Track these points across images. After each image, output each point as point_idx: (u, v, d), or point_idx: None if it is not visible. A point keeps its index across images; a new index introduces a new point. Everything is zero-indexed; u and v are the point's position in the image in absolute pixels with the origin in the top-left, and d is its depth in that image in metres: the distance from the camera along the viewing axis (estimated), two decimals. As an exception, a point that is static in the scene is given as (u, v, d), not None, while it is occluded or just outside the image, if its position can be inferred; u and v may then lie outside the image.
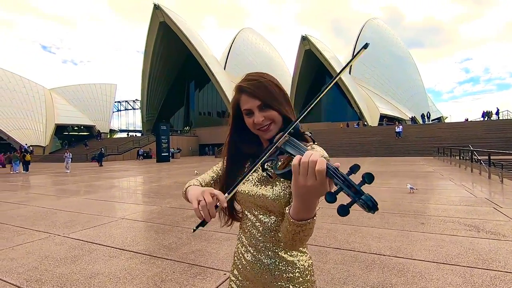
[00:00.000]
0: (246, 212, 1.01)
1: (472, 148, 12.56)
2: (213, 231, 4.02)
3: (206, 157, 32.26)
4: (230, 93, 38.10)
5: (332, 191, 0.56)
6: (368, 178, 0.53)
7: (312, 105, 0.70)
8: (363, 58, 49.00)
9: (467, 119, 34.19)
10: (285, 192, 0.90)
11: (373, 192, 6.28)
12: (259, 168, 0.98)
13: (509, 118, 28.76)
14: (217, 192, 0.73)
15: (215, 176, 1.08)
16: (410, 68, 54.39)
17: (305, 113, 0.73)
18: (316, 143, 0.92)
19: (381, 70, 49.47)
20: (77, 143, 41.41)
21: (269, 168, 0.95)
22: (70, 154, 18.29)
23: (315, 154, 0.60)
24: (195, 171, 13.29)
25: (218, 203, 0.72)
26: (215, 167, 1.12)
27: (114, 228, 4.34)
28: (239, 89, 0.94)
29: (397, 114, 43.56)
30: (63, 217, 5.15)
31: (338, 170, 0.58)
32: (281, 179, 0.91)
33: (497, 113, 30.91)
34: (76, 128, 47.59)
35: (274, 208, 0.91)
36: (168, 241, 3.68)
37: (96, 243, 3.66)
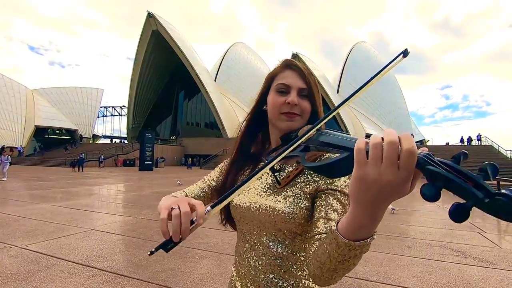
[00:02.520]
0: (244, 233, 0.78)
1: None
2: (190, 247, 3.71)
3: (180, 168, 31.47)
4: (219, 105, 38.06)
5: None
6: (493, 171, 0.35)
7: (346, 103, 0.59)
8: (351, 79, 50.45)
9: (448, 143, 35.61)
10: (302, 205, 0.69)
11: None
12: (265, 171, 0.79)
13: (487, 144, 29.83)
14: (196, 202, 0.54)
15: (207, 188, 0.87)
16: (395, 91, 56.25)
17: (339, 108, 0.58)
18: None
19: (367, 91, 50.66)
20: (57, 147, 39.76)
21: (281, 169, 0.76)
22: (9, 157, 14.53)
23: (393, 132, 0.37)
24: (178, 182, 12.84)
25: (194, 218, 0.52)
26: (207, 177, 0.91)
27: (81, 240, 3.96)
28: (287, 63, 0.79)
29: (382, 134, 44.63)
30: (26, 225, 4.70)
31: (433, 156, 0.37)
32: (295, 189, 0.71)
33: (479, 139, 32.08)
34: (57, 131, 45.92)
35: (286, 227, 0.69)
36: (138, 258, 3.35)
37: (56, 257, 3.28)
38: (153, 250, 0.50)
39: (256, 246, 0.74)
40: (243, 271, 0.76)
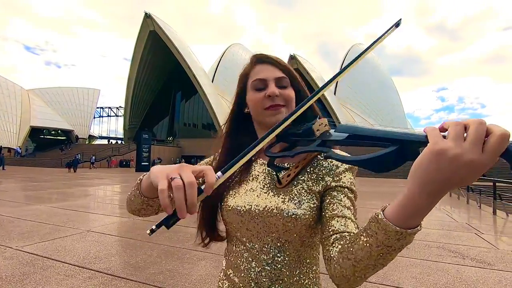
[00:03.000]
0: (243, 240, 0.70)
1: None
2: (188, 249, 3.69)
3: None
4: (217, 106, 37.97)
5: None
6: None
7: (335, 79, 0.58)
8: (348, 80, 50.67)
9: None
10: (313, 204, 0.64)
11: (359, 214, 6.31)
12: (259, 167, 0.74)
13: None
14: (203, 167, 0.46)
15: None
16: (392, 93, 56.62)
17: (327, 86, 0.57)
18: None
19: (364, 93, 51.18)
20: (53, 147, 39.42)
21: (281, 167, 0.69)
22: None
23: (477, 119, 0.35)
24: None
25: (202, 187, 0.44)
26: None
27: (77, 242, 3.91)
28: (255, 58, 0.75)
29: (379, 136, 44.84)
30: (21, 226, 4.64)
31: None
32: (301, 188, 0.66)
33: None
34: (53, 132, 45.56)
35: (294, 229, 0.63)
36: (135, 259, 3.32)
37: (52, 259, 3.23)
38: (153, 228, 0.43)
39: (259, 255, 0.66)
40: (241, 285, 0.68)
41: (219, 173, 0.47)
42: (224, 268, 0.75)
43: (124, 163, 31.17)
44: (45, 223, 4.93)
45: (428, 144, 0.36)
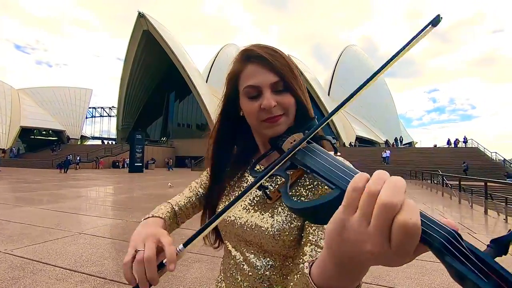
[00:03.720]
0: (229, 247, 0.70)
1: (442, 173, 13.06)
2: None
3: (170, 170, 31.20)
4: (211, 106, 37.85)
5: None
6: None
7: (353, 98, 0.44)
8: (341, 81, 51.06)
9: (436, 145, 36.67)
10: (292, 224, 0.59)
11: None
12: (252, 179, 0.71)
13: (473, 146, 30.57)
14: (165, 241, 0.46)
15: (194, 198, 0.77)
16: (385, 94, 57.16)
17: (340, 108, 0.44)
18: (339, 154, 0.53)
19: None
20: (43, 148, 38.74)
21: (270, 186, 0.65)
22: None
23: (393, 182, 0.26)
24: (169, 184, 12.67)
25: (165, 261, 0.43)
26: (194, 183, 0.81)
27: (68, 244, 3.83)
28: (245, 55, 0.63)
29: (372, 136, 45.19)
30: (10, 229, 4.53)
31: (460, 238, 0.25)
32: (284, 206, 0.61)
33: (465, 141, 32.84)
34: (44, 132, 44.78)
35: (272, 248, 0.60)
36: (129, 262, 3.26)
37: (43, 262, 3.16)
38: None
39: (242, 265, 0.65)
40: None
41: (181, 246, 0.42)
42: (220, 270, 0.76)
43: (117, 163, 30.81)
44: (36, 225, 4.82)
45: (339, 206, 0.29)
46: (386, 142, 44.02)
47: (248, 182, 0.72)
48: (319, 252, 0.53)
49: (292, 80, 0.62)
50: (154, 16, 42.49)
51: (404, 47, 0.41)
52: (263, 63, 0.61)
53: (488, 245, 0.25)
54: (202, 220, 0.79)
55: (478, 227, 5.82)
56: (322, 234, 0.55)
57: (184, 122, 52.39)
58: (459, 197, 9.91)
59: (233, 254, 0.68)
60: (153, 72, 47.92)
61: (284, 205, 0.61)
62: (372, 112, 51.57)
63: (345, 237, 0.28)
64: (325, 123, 0.46)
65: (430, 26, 0.40)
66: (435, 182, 14.64)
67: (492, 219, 6.94)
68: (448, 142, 34.59)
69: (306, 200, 0.60)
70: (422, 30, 0.40)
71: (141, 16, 40.97)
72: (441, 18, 0.38)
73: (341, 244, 0.29)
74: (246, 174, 0.74)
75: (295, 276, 0.50)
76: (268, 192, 0.60)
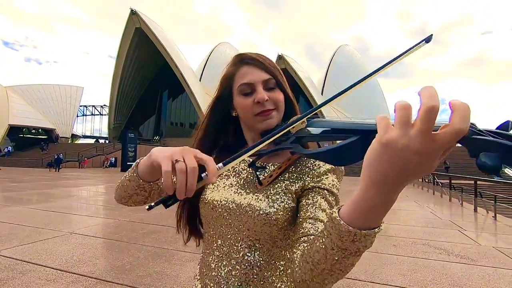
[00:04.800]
0: (216, 237, 0.68)
1: (433, 172, 13.25)
2: (175, 250, 3.61)
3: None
4: (204, 105, 37.81)
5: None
6: None
7: (345, 92, 0.54)
8: (335, 81, 51.40)
9: None
10: (287, 205, 0.62)
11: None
12: (243, 164, 0.73)
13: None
14: (206, 157, 0.45)
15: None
16: (377, 94, 57.79)
17: (335, 98, 0.53)
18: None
19: (351, 93, 51.73)
20: (33, 147, 37.97)
21: (263, 168, 0.69)
22: None
23: (434, 94, 0.30)
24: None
25: (204, 175, 0.44)
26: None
27: (59, 244, 3.76)
28: (239, 59, 0.71)
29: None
30: (-2, 229, 4.42)
31: (475, 125, 0.32)
32: (278, 187, 0.64)
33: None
34: (33, 130, 43.90)
35: (265, 229, 0.61)
36: (122, 261, 3.22)
37: (32, 263, 3.09)
38: (152, 204, 0.43)
39: (230, 253, 0.65)
40: (211, 284, 0.66)
41: (220, 164, 0.45)
42: (198, 267, 0.74)
43: (105, 162, 30.37)
44: (25, 225, 4.72)
45: (376, 134, 0.33)
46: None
47: (239, 166, 0.74)
48: (318, 224, 0.56)
49: (281, 78, 0.70)
50: (145, 12, 41.98)
51: (399, 56, 0.49)
52: (255, 64, 0.68)
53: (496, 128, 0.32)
54: (179, 208, 0.76)
55: (468, 225, 5.93)
56: (317, 210, 0.59)
57: (177, 121, 52.05)
58: (450, 195, 10.09)
59: (218, 243, 0.67)
60: (146, 70, 47.42)
61: (275, 188, 0.64)
62: (365, 112, 52.08)
63: (396, 148, 0.31)
64: (321, 107, 0.55)
65: (423, 42, 0.48)
66: (426, 180, 14.89)
67: (482, 216, 7.08)
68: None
69: (285, 185, 0.66)
70: (417, 44, 0.48)
71: (133, 13, 40.48)
72: (432, 35, 0.48)
73: (392, 159, 0.32)
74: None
75: (300, 246, 0.53)
76: (260, 178, 0.66)
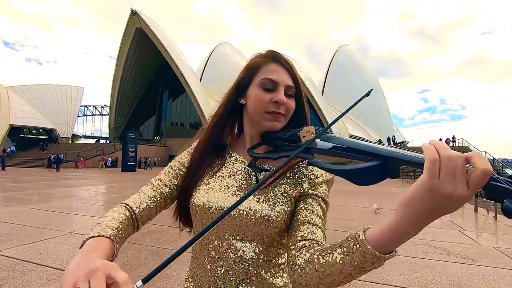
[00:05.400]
0: (211, 238, 0.67)
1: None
2: (175, 249, 3.58)
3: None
4: (204, 105, 37.66)
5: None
6: None
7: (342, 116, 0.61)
8: (335, 81, 51.38)
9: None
10: (287, 208, 0.64)
11: (343, 211, 6.21)
12: (239, 165, 0.74)
13: (463, 146, 31.12)
14: (120, 278, 0.37)
15: (159, 197, 0.71)
16: (377, 93, 57.68)
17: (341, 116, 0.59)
18: None
19: (351, 93, 51.92)
20: (34, 147, 37.99)
21: (262, 170, 0.70)
22: None
23: (452, 151, 0.36)
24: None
25: None
26: (156, 181, 0.74)
27: (60, 244, 3.77)
28: (272, 55, 0.71)
29: (365, 136, 45.59)
30: (-1, 229, 4.43)
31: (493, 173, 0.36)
32: (277, 190, 0.66)
33: (454, 140, 33.50)
34: (34, 131, 43.93)
35: (265, 232, 0.62)
36: (122, 261, 3.22)
37: (33, 263, 3.10)
38: None
39: (227, 254, 0.64)
40: (207, 285, 0.65)
41: (139, 282, 0.36)
42: (189, 269, 0.72)
43: (107, 162, 30.38)
44: (26, 225, 4.73)
45: (423, 175, 0.36)
46: (379, 141, 44.51)
47: (234, 167, 0.74)
48: (316, 229, 0.59)
49: (300, 90, 0.72)
50: (145, 13, 41.97)
51: (349, 108, 0.61)
52: (285, 67, 0.70)
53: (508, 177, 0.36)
54: (176, 210, 0.76)
55: (468, 225, 5.92)
56: (314, 215, 0.61)
57: (177, 121, 52.05)
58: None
59: (214, 244, 0.66)
60: (146, 70, 47.45)
61: (275, 191, 0.66)
62: (366, 112, 52.02)
63: (441, 194, 0.35)
64: (339, 118, 0.60)
65: (365, 96, 0.59)
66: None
67: (482, 216, 7.08)
68: (439, 142, 35.25)
69: (284, 189, 0.67)
70: (362, 98, 0.61)
71: (134, 13, 40.52)
72: (371, 90, 0.62)
73: (435, 201, 0.36)
74: (231, 161, 0.75)
75: (301, 251, 0.55)
76: (259, 179, 0.67)
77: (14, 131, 40.07)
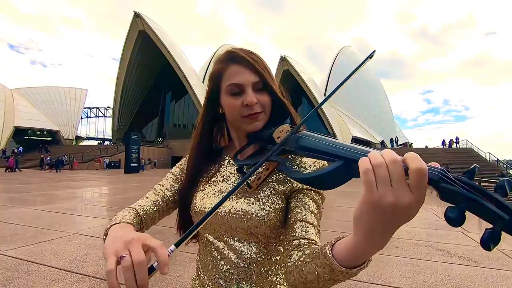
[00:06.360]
0: (210, 239, 0.70)
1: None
2: (178, 250, 3.60)
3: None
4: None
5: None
6: (510, 186, 0.33)
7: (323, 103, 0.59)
8: (337, 82, 51.00)
9: (427, 146, 37.62)
10: (278, 206, 0.65)
11: (346, 212, 6.19)
12: (231, 168, 0.75)
13: (467, 147, 30.91)
14: (154, 243, 0.42)
15: (161, 201, 0.74)
16: (380, 95, 57.54)
17: (323, 102, 0.56)
18: None
19: (353, 94, 51.82)
20: (36, 148, 38.21)
21: (249, 172, 0.71)
22: None
23: (390, 151, 0.35)
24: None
25: (155, 264, 0.41)
26: (159, 187, 0.78)
27: (63, 245, 3.80)
28: (229, 57, 0.68)
29: (368, 137, 45.43)
30: (4, 230, 4.48)
31: (447, 172, 0.34)
32: (266, 189, 0.66)
33: (457, 141, 33.26)
34: (38, 132, 44.27)
35: (259, 231, 0.64)
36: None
37: (37, 263, 3.13)
38: None
39: (227, 253, 0.67)
40: (211, 284, 0.68)
41: (172, 246, 0.42)
42: (196, 269, 0.76)
43: (113, 164, 30.52)
44: (30, 226, 4.77)
45: (363, 193, 0.36)
46: (382, 142, 44.28)
47: (227, 171, 0.76)
48: (308, 227, 0.60)
49: (270, 81, 0.68)
50: (148, 15, 42.19)
51: (352, 73, 0.54)
52: (245, 65, 0.66)
53: (463, 174, 0.34)
54: (179, 216, 0.79)
55: (471, 226, 5.88)
56: (308, 212, 0.62)
57: (180, 123, 52.22)
58: (453, 197, 10.01)
59: (215, 245, 0.69)
60: (149, 72, 47.67)
61: (265, 190, 0.66)
62: (368, 113, 51.87)
63: (383, 206, 0.34)
64: (310, 114, 0.57)
65: (368, 58, 0.53)
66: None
67: (486, 218, 7.02)
68: (443, 143, 34.98)
69: (273, 186, 0.68)
70: (365, 59, 0.54)
71: (137, 16, 40.78)
72: (374, 51, 0.54)
73: (381, 215, 0.35)
74: (224, 165, 0.77)
75: (293, 251, 0.56)
76: (249, 182, 0.66)
77: (19, 133, 40.39)
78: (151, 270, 0.41)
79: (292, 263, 0.54)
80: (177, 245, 0.42)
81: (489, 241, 0.32)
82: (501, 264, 3.51)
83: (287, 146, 0.54)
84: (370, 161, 0.35)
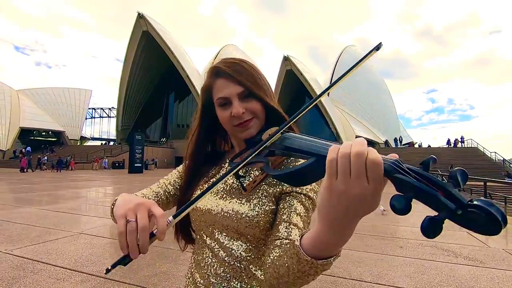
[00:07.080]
0: (204, 237, 0.74)
1: (441, 173, 13.06)
2: (181, 250, 3.64)
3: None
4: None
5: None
6: (462, 177, 0.33)
7: (316, 100, 0.54)
8: (342, 82, 51.00)
9: (429, 146, 37.61)
10: (268, 207, 0.66)
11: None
12: (230, 176, 0.76)
13: (472, 146, 30.62)
14: (157, 211, 0.46)
15: (162, 194, 0.80)
16: (384, 94, 57.25)
17: (311, 106, 0.53)
18: None
19: (357, 94, 51.62)
20: (40, 149, 38.60)
21: (247, 173, 0.73)
22: None
23: (362, 142, 0.36)
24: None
25: (155, 230, 0.45)
26: (163, 180, 0.84)
27: (68, 244, 3.84)
28: (214, 72, 0.73)
29: (372, 137, 45.20)
30: (10, 229, 4.53)
31: (401, 163, 0.35)
32: (258, 191, 0.68)
33: (462, 141, 32.98)
34: (43, 133, 44.72)
35: (249, 231, 0.66)
36: (129, 261, 3.26)
37: (43, 262, 3.16)
38: (109, 268, 0.44)
39: (218, 251, 0.69)
40: (202, 281, 0.70)
41: (171, 217, 0.46)
42: (189, 266, 0.79)
43: (117, 164, 30.72)
44: (35, 225, 4.82)
45: (323, 179, 0.37)
46: (386, 142, 44.07)
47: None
48: (292, 228, 0.60)
49: (255, 89, 0.70)
50: (151, 16, 42.38)
51: (356, 64, 0.53)
52: (227, 77, 0.70)
53: (419, 165, 0.35)
54: (177, 229, 0.85)
55: (477, 227, 5.83)
56: (292, 214, 0.63)
57: (183, 123, 52.36)
58: (459, 197, 9.93)
59: (207, 243, 0.72)
60: (153, 72, 47.91)
61: (258, 194, 0.68)
62: (372, 113, 51.62)
63: (336, 193, 0.36)
64: (298, 118, 0.56)
65: (374, 50, 0.52)
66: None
67: (491, 218, 6.95)
68: (448, 142, 34.71)
69: (264, 189, 0.69)
70: (370, 52, 0.52)
71: (140, 16, 40.99)
72: (381, 43, 0.51)
73: (336, 203, 0.36)
74: (224, 168, 0.81)
75: (273, 249, 0.56)
76: (244, 184, 0.67)
77: (24, 134, 40.83)
78: (151, 235, 0.45)
79: (270, 260, 0.56)
80: (174, 217, 0.47)
81: (428, 228, 0.32)
82: (506, 264, 3.48)
83: (274, 148, 0.55)
84: (337, 152, 0.36)
